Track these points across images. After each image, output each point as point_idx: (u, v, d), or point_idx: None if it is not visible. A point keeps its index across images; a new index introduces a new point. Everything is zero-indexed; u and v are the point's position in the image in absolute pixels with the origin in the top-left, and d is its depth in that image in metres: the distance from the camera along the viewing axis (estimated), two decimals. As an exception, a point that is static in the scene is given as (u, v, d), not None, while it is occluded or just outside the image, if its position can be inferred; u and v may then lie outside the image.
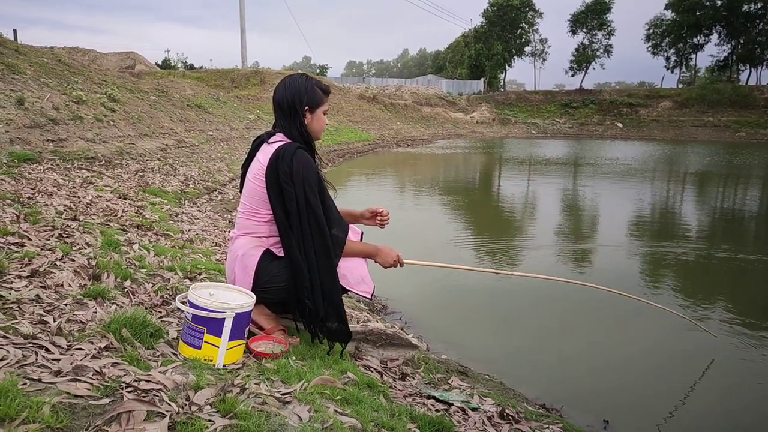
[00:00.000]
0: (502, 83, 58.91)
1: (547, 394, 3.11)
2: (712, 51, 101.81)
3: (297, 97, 2.19)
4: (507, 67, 57.00)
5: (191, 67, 36.55)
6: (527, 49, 56.42)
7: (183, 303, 1.91)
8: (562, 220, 8.99)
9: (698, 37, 51.33)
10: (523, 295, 4.86)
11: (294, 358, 2.09)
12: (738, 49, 49.85)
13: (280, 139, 2.21)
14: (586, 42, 53.26)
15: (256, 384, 1.67)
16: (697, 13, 48.81)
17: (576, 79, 54.36)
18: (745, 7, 47.77)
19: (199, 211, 6.57)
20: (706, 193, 13.15)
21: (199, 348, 1.85)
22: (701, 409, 3.07)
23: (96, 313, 2.05)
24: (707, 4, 48.68)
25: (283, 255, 2.18)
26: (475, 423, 2.17)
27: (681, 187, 14.00)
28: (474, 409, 2.30)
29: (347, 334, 2.27)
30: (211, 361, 1.84)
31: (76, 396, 1.35)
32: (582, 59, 52.64)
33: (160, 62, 36.80)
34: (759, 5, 47.54)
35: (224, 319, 1.85)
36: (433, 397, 2.33)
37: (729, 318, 4.42)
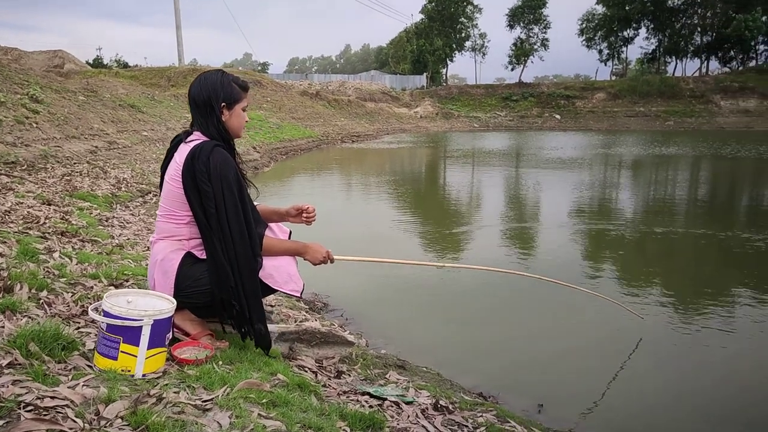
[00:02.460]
0: (444, 78, 59.68)
1: (485, 382, 3.17)
2: (641, 44, 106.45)
3: (213, 94, 2.13)
4: (448, 61, 57.78)
5: (125, 66, 35.17)
6: (467, 43, 57.42)
7: (97, 312, 1.82)
8: (502, 209, 9.19)
9: (628, 31, 53.67)
10: (462, 285, 4.93)
11: (221, 362, 2.03)
12: (664, 42, 52.43)
13: (197, 138, 2.13)
14: (523, 36, 54.71)
15: (174, 393, 1.61)
16: (626, 8, 50.97)
17: (515, 72, 55.78)
18: (670, 2, 50.35)
19: (132, 214, 6.32)
20: (639, 177, 13.77)
21: (116, 359, 1.76)
22: (630, 389, 3.20)
23: (3, 327, 1.93)
24: (635, -1, 50.99)
25: (205, 257, 2.12)
26: (408, 416, 2.17)
27: (616, 172, 14.60)
28: (408, 403, 2.31)
29: (268, 340, 2.22)
30: (129, 371, 1.76)
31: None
32: (520, 53, 53.99)
33: (91, 61, 35.16)
34: (681, 0, 50.24)
35: (141, 326, 1.78)
36: (368, 393, 2.32)
37: (656, 298, 4.64)
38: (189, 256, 2.13)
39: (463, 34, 56.36)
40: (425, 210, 9.36)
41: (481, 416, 2.36)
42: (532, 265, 5.68)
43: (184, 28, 33.08)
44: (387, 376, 2.78)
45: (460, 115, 46.08)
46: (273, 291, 2.29)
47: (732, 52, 50.89)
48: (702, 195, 10.90)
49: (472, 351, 3.71)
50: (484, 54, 58.41)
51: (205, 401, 1.60)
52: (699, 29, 51.11)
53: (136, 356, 1.76)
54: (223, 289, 2.07)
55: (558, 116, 45.61)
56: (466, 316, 4.37)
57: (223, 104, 2.16)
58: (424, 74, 55.86)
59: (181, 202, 2.10)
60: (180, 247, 2.15)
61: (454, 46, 55.96)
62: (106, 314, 1.78)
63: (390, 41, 72.88)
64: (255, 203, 2.38)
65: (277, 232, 2.46)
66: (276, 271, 2.24)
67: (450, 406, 2.35)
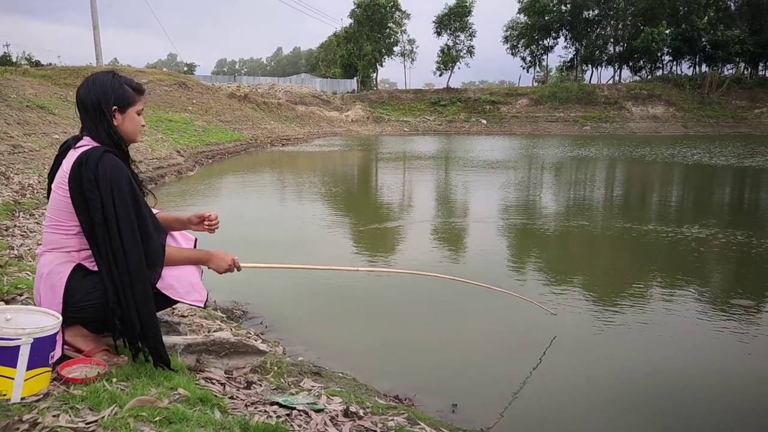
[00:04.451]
0: (374, 82, 60.08)
1: (402, 385, 3.19)
2: (560, 53, 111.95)
3: (103, 97, 2.01)
4: (378, 66, 58.22)
5: (37, 64, 32.93)
6: (396, 49, 58.09)
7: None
8: (425, 210, 9.32)
9: (548, 40, 56.26)
10: (383, 289, 4.96)
11: (115, 380, 1.92)
12: (581, 51, 55.35)
13: (86, 144, 2.01)
14: (450, 43, 56.01)
15: (54, 416, 1.50)
16: (546, 17, 53.44)
17: (443, 78, 57.00)
18: (585, 13, 53.30)
19: (37, 222, 5.90)
20: (560, 178, 14.42)
21: (-10, 382, 1.63)
22: (543, 384, 3.31)
23: None
24: (554, 9, 53.49)
25: (97, 269, 2.00)
26: (316, 425, 2.15)
27: (539, 173, 15.22)
28: (319, 411, 2.28)
29: (166, 358, 2.12)
30: (5, 395, 1.63)
31: None
32: (447, 59, 55.25)
33: (-4, 58, 32.70)
34: (596, 12, 53.36)
35: (19, 346, 1.65)
36: (277, 403, 2.28)
37: (570, 293, 4.85)
38: (79, 269, 2.00)
39: (392, 39, 56.99)
40: (351, 212, 9.36)
41: (392, 420, 2.37)
42: (449, 265, 5.81)
43: (103, 26, 31.47)
44: (301, 384, 2.74)
45: (391, 119, 46.57)
46: (174, 302, 2.20)
47: (641, 62, 54.50)
48: (617, 194, 11.56)
49: (389, 354, 3.73)
50: (413, 59, 59.37)
51: (88, 423, 1.51)
52: (612, 40, 54.40)
53: (12, 378, 1.63)
54: (111, 302, 1.96)
55: (484, 121, 47.05)
56: (385, 320, 4.39)
57: (114, 107, 2.05)
58: (355, 78, 56.00)
59: (68, 212, 1.97)
60: (69, 259, 2.01)
61: (383, 51, 56.47)
62: (-21, 334, 1.64)
63: (320, 44, 72.65)
64: (155, 211, 2.29)
65: (180, 241, 2.37)
66: (177, 281, 2.15)
67: (360, 412, 2.35)
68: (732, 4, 51.81)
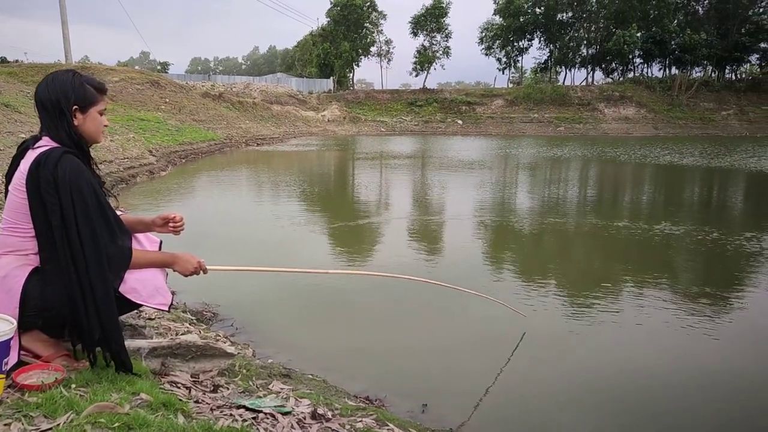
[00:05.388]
0: (351, 82, 60.01)
1: (373, 386, 3.19)
2: (535, 54, 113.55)
3: (63, 96, 1.97)
4: (355, 66, 58.18)
5: (3, 61, 32.06)
6: (373, 49, 58.13)
7: None
8: (399, 210, 9.32)
9: (523, 41, 56.93)
10: (355, 290, 4.92)
11: (74, 386, 1.87)
12: (555, 53, 56.17)
13: (45, 144, 1.96)
14: (426, 44, 56.28)
15: (5, 425, 1.46)
16: (521, 19, 54.08)
17: (420, 79, 57.23)
18: (559, 16, 54.12)
19: (0, 225, 5.75)
20: (535, 177, 14.58)
21: (-61, 391, 1.57)
22: (512, 384, 3.34)
23: None
24: (529, 11, 54.16)
25: (55, 273, 1.95)
26: (283, 428, 2.13)
27: (515, 173, 15.38)
28: (286, 413, 2.27)
29: (128, 363, 2.08)
30: (-44, 403, 1.58)
31: None
32: (424, 60, 55.50)
33: (-41, 54, 31.70)
34: (569, 14, 54.24)
35: (-29, 353, 1.60)
36: (243, 407, 2.25)
37: (540, 294, 4.91)
38: (37, 272, 1.95)
39: (368, 39, 57.01)
40: (325, 212, 9.31)
41: (360, 421, 2.37)
42: (421, 265, 5.81)
43: (73, 23, 30.83)
44: (270, 386, 2.72)
45: (367, 119, 46.58)
46: (137, 306, 2.16)
47: (613, 64, 55.58)
48: (590, 193, 11.74)
49: (361, 355, 3.72)
50: (389, 60, 59.50)
51: (43, 431, 1.47)
52: (585, 42, 55.32)
53: (-36, 386, 1.59)
54: (70, 306, 1.92)
55: (460, 121, 47.38)
56: (357, 321, 4.38)
57: (75, 107, 2.00)
58: (331, 78, 55.85)
59: (25, 214, 1.92)
60: (26, 262, 1.96)
61: (359, 50, 56.46)
62: (-73, 341, 1.59)
63: (297, 44, 72.25)
64: (117, 213, 2.24)
65: (144, 243, 2.33)
66: (140, 284, 2.11)
67: (329, 414, 2.33)
68: (700, 9, 53.21)
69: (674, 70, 53.47)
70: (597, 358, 3.71)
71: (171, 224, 2.30)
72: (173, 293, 4.58)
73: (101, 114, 2.10)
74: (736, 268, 5.87)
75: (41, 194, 1.86)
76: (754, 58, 53.65)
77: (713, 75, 54.21)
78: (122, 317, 2.50)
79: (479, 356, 3.75)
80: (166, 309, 2.20)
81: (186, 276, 2.27)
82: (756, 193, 12.66)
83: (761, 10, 50.38)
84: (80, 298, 1.90)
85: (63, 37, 30.58)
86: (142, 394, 1.97)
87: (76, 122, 2.01)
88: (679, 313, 4.44)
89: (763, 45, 51.24)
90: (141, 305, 2.15)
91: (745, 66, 55.63)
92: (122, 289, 2.07)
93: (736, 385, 3.36)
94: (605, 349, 3.87)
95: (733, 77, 54.83)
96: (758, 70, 54.57)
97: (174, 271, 2.26)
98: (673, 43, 50.46)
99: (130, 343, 2.36)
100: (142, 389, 2.01)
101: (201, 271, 2.29)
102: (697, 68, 53.61)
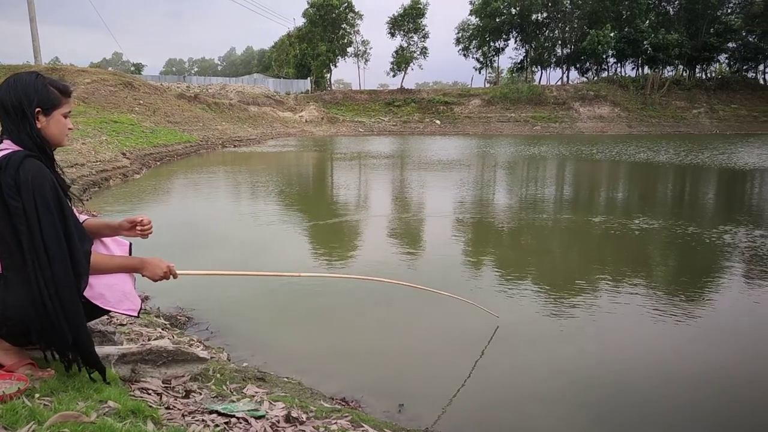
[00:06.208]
0: (328, 83, 59.83)
1: (348, 387, 3.19)
2: (511, 54, 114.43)
3: (25, 98, 1.92)
4: (332, 66, 58.01)
5: (-33, 62, 31.18)
6: (350, 49, 58.01)
7: None
8: (377, 210, 9.33)
9: (499, 41, 57.41)
10: (330, 293, 4.89)
11: (38, 395, 1.83)
12: (531, 53, 56.77)
13: (7, 147, 1.91)
14: (404, 44, 56.40)
15: (-37, 437, 1.42)
16: (497, 20, 54.52)
17: (397, 79, 57.33)
18: (534, 16, 54.71)
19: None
20: (512, 175, 14.71)
21: None
22: (486, 381, 3.37)
23: None
24: (505, 12, 54.63)
25: (20, 280, 1.90)
26: (256, 432, 2.11)
27: (492, 172, 15.49)
28: (260, 417, 2.25)
29: (101, 366, 2.05)
30: None
31: None
32: (401, 60, 55.60)
33: None
34: (544, 15, 54.90)
35: (-72, 364, 1.55)
36: (216, 412, 2.23)
37: (512, 294, 4.95)
38: (0, 279, 1.90)
39: (345, 40, 56.89)
40: (300, 212, 9.26)
41: (335, 423, 2.36)
42: (395, 266, 5.80)
43: (43, 24, 30.11)
44: (244, 390, 2.70)
45: (345, 119, 46.48)
46: (105, 312, 2.12)
47: (588, 64, 56.37)
48: (567, 191, 11.89)
49: (336, 357, 3.71)
50: (366, 60, 59.42)
51: (3, 442, 1.43)
52: (560, 42, 56.01)
53: None
54: (39, 313, 1.87)
55: (438, 121, 47.57)
56: (332, 323, 4.36)
57: (38, 109, 1.95)
58: (309, 78, 55.60)
59: (-13, 220, 1.87)
60: (-13, 269, 1.91)
61: (336, 51, 56.30)
62: None
63: (273, 44, 71.73)
64: (83, 217, 2.20)
65: (112, 247, 2.28)
66: (108, 290, 2.07)
67: (303, 417, 2.32)
68: (671, 9, 54.29)
69: (647, 70, 54.48)
70: (570, 354, 3.75)
71: (138, 227, 2.26)
72: (145, 298, 4.54)
73: (65, 117, 2.05)
74: (710, 261, 6.02)
75: (4, 198, 1.82)
76: (722, 57, 55.02)
77: (684, 74, 55.38)
78: (91, 323, 2.45)
79: (454, 355, 3.77)
80: (136, 314, 2.16)
81: (155, 281, 2.23)
82: (727, 188, 12.96)
83: (729, 10, 51.70)
84: (48, 304, 1.86)
85: (32, 34, 29.87)
86: (110, 402, 1.93)
87: (39, 125, 1.96)
88: (654, 309, 4.52)
89: (731, 45, 52.56)
90: (109, 311, 2.11)
91: (714, 65, 56.99)
92: (89, 294, 2.02)
93: (712, 376, 3.44)
94: (579, 344, 3.92)
95: (704, 76, 56.08)
96: (727, 69, 55.92)
97: (143, 276, 2.22)
98: (645, 42, 51.39)
99: (98, 350, 2.31)
100: (110, 396, 1.97)
101: (171, 276, 2.25)
102: (669, 67, 54.75)
